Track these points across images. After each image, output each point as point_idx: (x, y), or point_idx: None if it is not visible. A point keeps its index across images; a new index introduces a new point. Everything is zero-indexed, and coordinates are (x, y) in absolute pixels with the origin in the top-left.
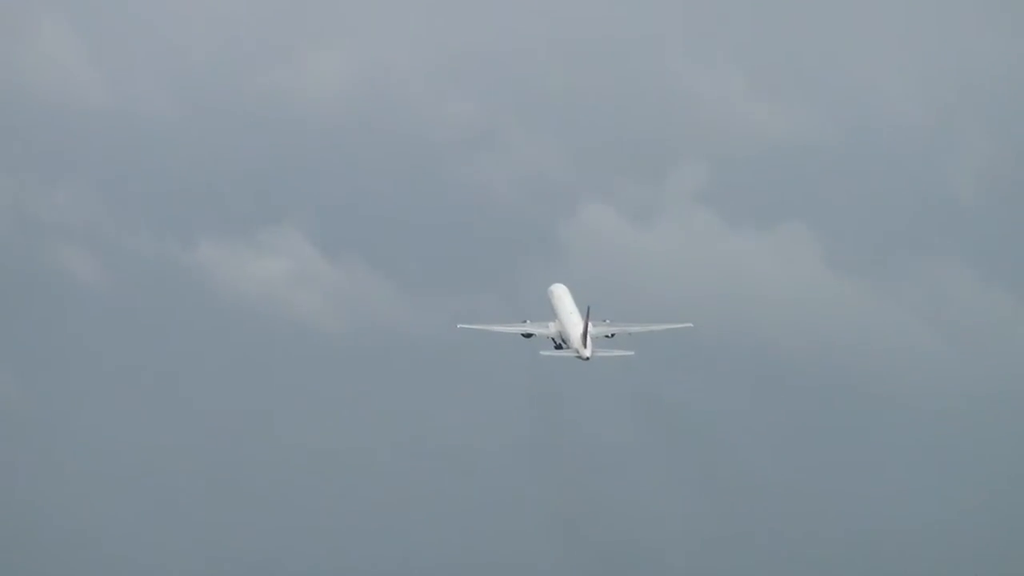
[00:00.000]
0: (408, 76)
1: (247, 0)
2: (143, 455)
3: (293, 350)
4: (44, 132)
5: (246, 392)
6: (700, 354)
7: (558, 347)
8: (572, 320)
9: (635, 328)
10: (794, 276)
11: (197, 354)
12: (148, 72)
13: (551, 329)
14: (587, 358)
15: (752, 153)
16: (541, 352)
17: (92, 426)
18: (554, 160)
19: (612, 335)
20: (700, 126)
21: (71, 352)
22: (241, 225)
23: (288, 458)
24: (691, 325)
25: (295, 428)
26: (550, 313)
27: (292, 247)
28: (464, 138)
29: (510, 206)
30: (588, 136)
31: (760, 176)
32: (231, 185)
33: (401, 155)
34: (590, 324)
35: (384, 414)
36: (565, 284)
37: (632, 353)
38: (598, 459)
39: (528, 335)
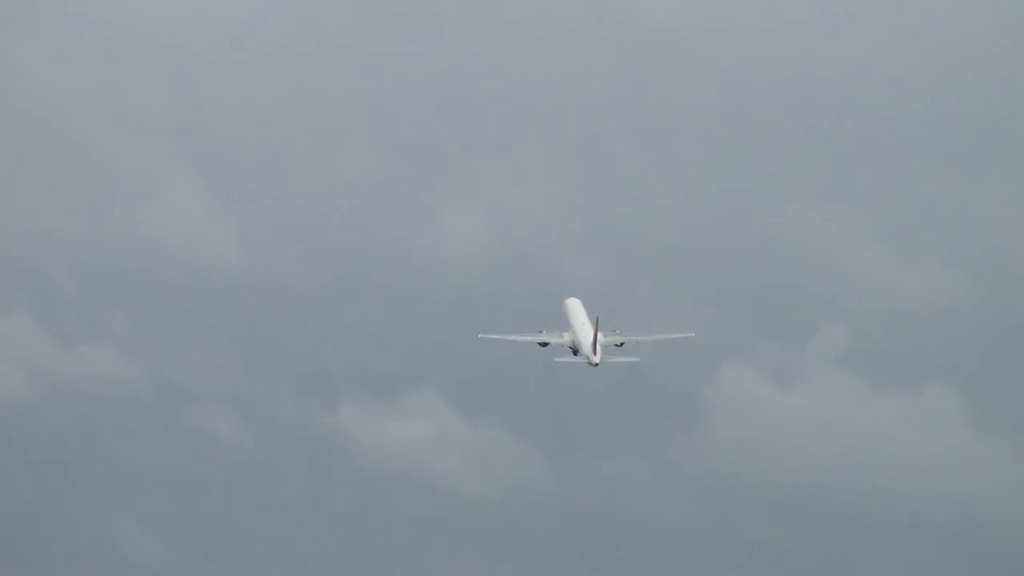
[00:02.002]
0: (543, 235)
1: (379, 161)
2: None
3: (433, 512)
4: (181, 297)
5: (388, 554)
6: (840, 514)
7: (575, 353)
8: (584, 330)
9: (642, 337)
10: (938, 439)
11: (338, 516)
12: (285, 236)
13: (565, 338)
14: (596, 364)
15: (893, 314)
16: (555, 359)
17: None
18: (692, 321)
19: (621, 344)
20: (839, 287)
21: (214, 514)
22: (381, 388)
23: None
24: (693, 335)
25: None
26: (565, 324)
27: (431, 410)
28: (603, 299)
29: (648, 367)
30: (726, 297)
31: (901, 338)
32: (370, 348)
33: (533, 312)
34: (600, 333)
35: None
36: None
37: (638, 359)
38: None
39: (544, 344)
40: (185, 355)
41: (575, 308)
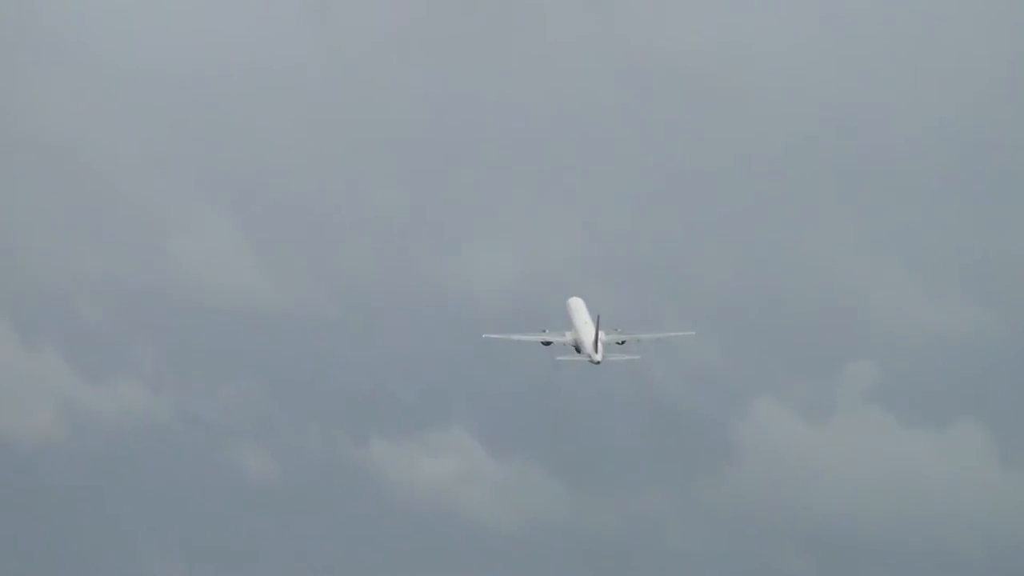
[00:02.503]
0: (568, 267)
1: (406, 194)
2: None
3: (462, 547)
4: (210, 331)
5: None
6: (869, 547)
7: (577, 351)
8: (586, 329)
9: (643, 335)
10: (967, 473)
11: (368, 550)
12: (313, 269)
13: (567, 337)
14: (598, 362)
15: (922, 349)
16: (558, 357)
17: None
18: (725, 359)
19: (622, 342)
20: (868, 322)
21: (244, 548)
22: (409, 421)
23: None
24: (693, 333)
25: None
26: (567, 323)
27: (460, 445)
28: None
29: (679, 403)
30: (755, 332)
31: (931, 373)
32: (399, 383)
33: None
34: (601, 332)
35: None
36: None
37: (638, 357)
38: None
39: (547, 343)
40: (214, 389)
41: (577, 307)
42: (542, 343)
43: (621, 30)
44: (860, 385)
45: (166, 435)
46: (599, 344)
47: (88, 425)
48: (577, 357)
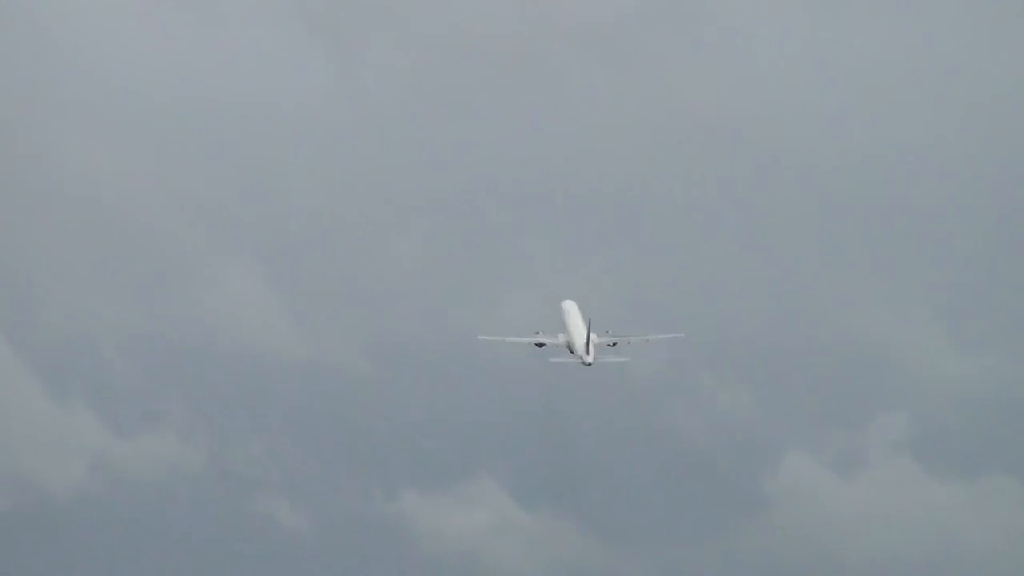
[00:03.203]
0: (597, 322)
1: (434, 247)
2: None
3: None
4: (240, 384)
5: None
6: None
7: (571, 352)
8: (578, 331)
9: (633, 337)
10: (999, 526)
11: None
12: (342, 322)
13: (560, 339)
14: (589, 363)
15: (954, 402)
16: (550, 359)
17: None
18: (755, 411)
19: (614, 344)
20: (899, 374)
21: None
22: (439, 474)
23: None
24: (682, 335)
25: None
26: (560, 326)
27: (491, 498)
28: (662, 387)
29: (709, 456)
30: (786, 384)
31: (963, 426)
32: (429, 435)
33: (595, 402)
34: (593, 334)
35: None
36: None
37: (628, 359)
38: None
39: (541, 344)
40: (244, 442)
41: (571, 310)
42: (535, 344)
43: (636, 82)
44: (890, 436)
45: (198, 488)
46: (591, 346)
47: (120, 478)
48: (569, 358)
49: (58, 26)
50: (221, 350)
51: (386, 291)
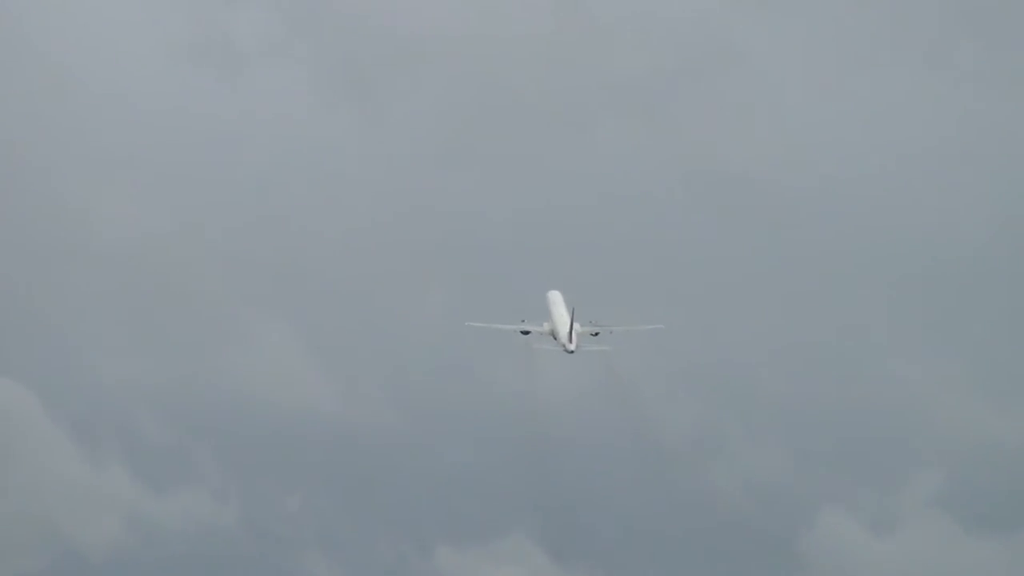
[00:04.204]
0: (632, 382)
1: (466, 303)
2: None
3: None
4: (274, 441)
5: None
6: None
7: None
8: (562, 320)
9: (614, 327)
10: None
11: None
12: (375, 380)
13: (544, 327)
14: (572, 351)
15: (989, 459)
16: (534, 345)
17: None
18: (786, 468)
19: (596, 333)
20: (934, 431)
21: None
22: (473, 532)
23: None
24: (662, 326)
25: None
26: (545, 314)
27: (524, 554)
28: (694, 445)
29: (743, 514)
30: (820, 442)
31: (998, 482)
32: (463, 492)
33: (629, 459)
34: (576, 324)
35: None
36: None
37: (609, 348)
38: None
39: (526, 332)
40: (279, 499)
41: (555, 300)
42: (521, 332)
43: (666, 137)
44: (926, 493)
45: (232, 545)
46: (573, 335)
47: (155, 536)
48: (552, 345)
49: (87, 82)
50: (254, 407)
51: (418, 346)
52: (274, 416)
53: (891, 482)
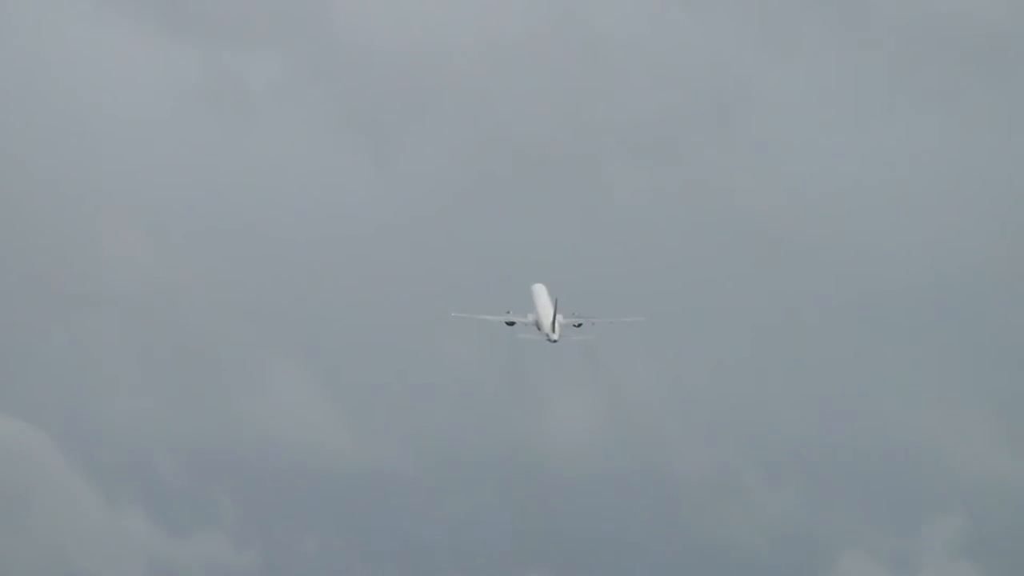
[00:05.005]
0: (647, 419)
1: (481, 348)
2: None
3: None
4: (293, 486)
5: None
6: None
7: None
8: (546, 311)
9: (596, 319)
10: None
11: None
12: (391, 424)
13: (529, 318)
14: (555, 340)
15: (1011, 504)
16: (519, 335)
17: None
18: (809, 513)
19: (579, 324)
20: (955, 475)
21: None
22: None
23: None
24: (643, 319)
25: None
26: (530, 306)
27: None
28: (710, 485)
29: (764, 559)
30: (840, 487)
31: (1020, 527)
32: (481, 539)
33: (645, 496)
34: (559, 315)
35: None
36: None
37: (591, 338)
38: None
39: (511, 323)
40: (298, 543)
41: (540, 292)
42: (506, 323)
43: (686, 185)
44: (947, 538)
45: None
46: (556, 325)
47: None
48: (536, 335)
49: (99, 129)
50: (273, 452)
51: (435, 393)
52: (293, 461)
53: (910, 526)
